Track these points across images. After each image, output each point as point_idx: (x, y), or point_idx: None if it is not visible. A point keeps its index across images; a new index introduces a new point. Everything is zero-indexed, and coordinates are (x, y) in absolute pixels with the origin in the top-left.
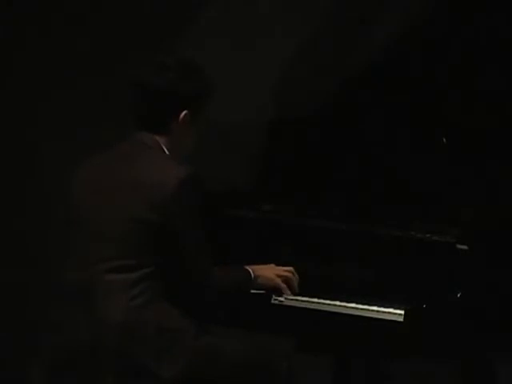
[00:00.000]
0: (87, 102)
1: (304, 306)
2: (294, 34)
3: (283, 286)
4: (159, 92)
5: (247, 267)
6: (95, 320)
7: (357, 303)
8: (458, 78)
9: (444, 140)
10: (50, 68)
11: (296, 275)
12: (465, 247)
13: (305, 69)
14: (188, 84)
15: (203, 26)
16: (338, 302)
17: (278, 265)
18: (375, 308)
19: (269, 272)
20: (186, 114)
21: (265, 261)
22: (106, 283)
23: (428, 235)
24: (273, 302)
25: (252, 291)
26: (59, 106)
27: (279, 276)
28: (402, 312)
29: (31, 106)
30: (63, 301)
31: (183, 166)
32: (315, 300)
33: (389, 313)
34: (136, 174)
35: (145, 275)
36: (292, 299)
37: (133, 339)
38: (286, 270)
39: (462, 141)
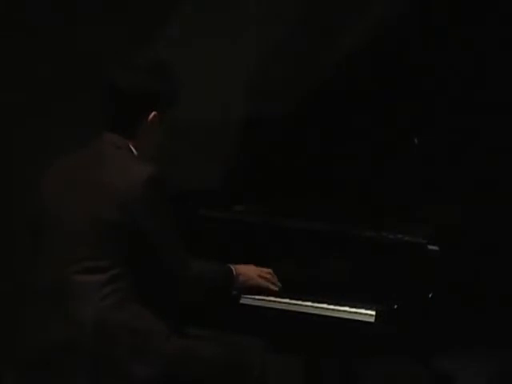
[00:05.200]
0: (70, 104)
1: (275, 306)
2: (269, 32)
3: (266, 285)
4: (127, 93)
5: (229, 265)
6: (68, 320)
7: (328, 303)
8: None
9: (416, 140)
10: (40, 69)
11: (275, 277)
12: (436, 248)
13: (279, 68)
14: (156, 84)
15: (179, 24)
16: (309, 303)
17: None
18: (347, 308)
19: (250, 271)
20: (155, 115)
21: (238, 261)
22: (77, 284)
23: (399, 236)
24: (242, 301)
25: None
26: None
27: (260, 277)
28: (374, 313)
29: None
30: (36, 301)
31: (147, 166)
32: (287, 300)
33: (360, 313)
34: (102, 174)
35: (116, 275)
36: (263, 300)
37: (105, 339)
38: (266, 272)
39: (434, 141)
